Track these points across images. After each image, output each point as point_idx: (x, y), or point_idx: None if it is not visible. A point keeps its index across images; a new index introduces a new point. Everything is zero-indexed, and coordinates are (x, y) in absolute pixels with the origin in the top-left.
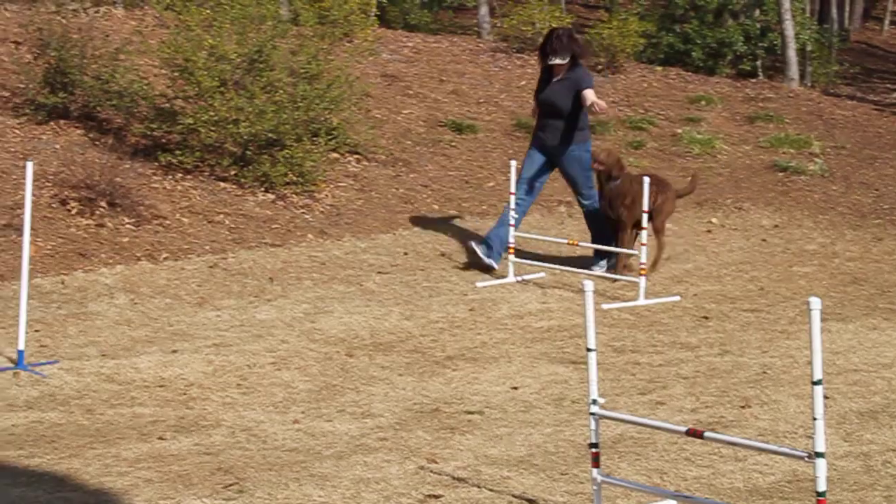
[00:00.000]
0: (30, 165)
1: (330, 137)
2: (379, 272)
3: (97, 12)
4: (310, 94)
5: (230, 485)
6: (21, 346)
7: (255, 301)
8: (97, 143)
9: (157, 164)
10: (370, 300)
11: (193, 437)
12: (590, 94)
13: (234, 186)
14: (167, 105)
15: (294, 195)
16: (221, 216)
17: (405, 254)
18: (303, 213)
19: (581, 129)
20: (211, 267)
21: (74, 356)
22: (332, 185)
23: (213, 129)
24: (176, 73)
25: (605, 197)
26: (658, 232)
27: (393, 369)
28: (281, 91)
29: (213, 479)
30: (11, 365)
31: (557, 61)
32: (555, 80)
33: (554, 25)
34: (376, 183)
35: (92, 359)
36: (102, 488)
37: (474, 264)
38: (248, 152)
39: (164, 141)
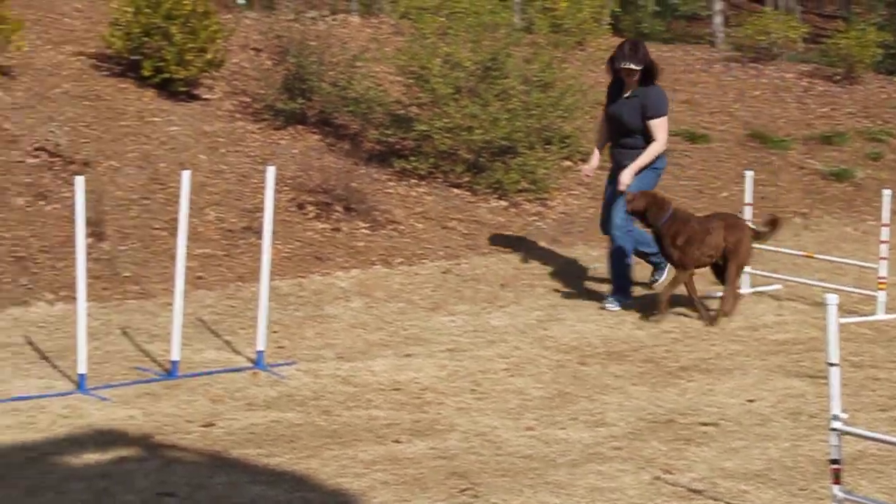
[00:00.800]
0: (271, 170)
1: (563, 145)
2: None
3: (334, 20)
4: (543, 101)
5: (465, 489)
6: (260, 347)
7: (487, 307)
8: (333, 148)
9: (391, 169)
10: (602, 308)
11: (428, 440)
12: (628, 171)
13: (467, 193)
14: (402, 112)
15: (526, 202)
16: (454, 222)
17: (637, 263)
18: (535, 220)
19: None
20: (444, 272)
21: (311, 358)
22: (564, 193)
23: (447, 135)
24: (411, 81)
25: (657, 239)
26: (730, 280)
27: (626, 378)
28: (514, 99)
29: (447, 484)
30: (251, 365)
31: (628, 65)
32: (625, 94)
33: (790, 35)
34: None
35: (328, 361)
36: (340, 489)
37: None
38: (482, 159)
39: (398, 147)
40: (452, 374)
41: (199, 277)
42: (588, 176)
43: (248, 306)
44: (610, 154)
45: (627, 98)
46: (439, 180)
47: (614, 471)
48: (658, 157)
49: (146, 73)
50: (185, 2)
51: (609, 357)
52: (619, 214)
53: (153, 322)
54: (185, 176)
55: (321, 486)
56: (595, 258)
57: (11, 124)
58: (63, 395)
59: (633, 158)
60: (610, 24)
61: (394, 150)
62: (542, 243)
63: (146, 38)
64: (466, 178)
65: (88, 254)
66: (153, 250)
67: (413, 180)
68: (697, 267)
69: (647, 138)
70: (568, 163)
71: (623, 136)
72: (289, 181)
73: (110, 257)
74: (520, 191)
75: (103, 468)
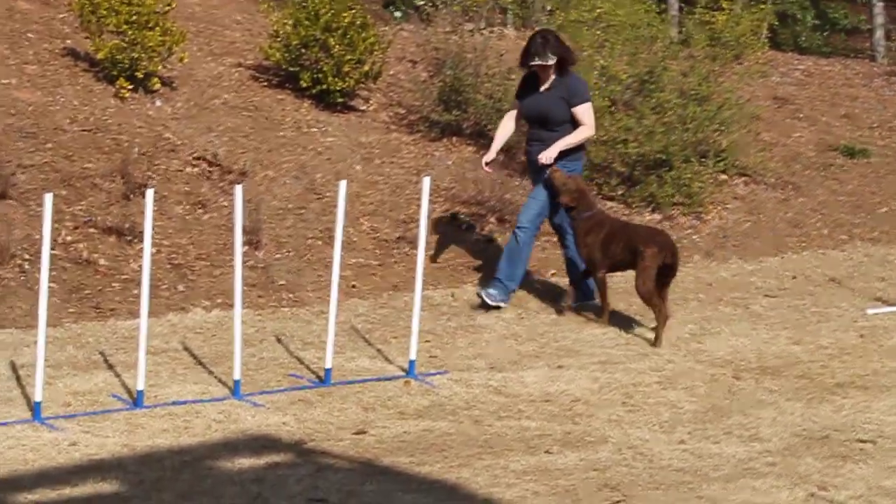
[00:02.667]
0: (427, 181)
1: (718, 159)
2: (766, 295)
3: (491, 33)
4: (699, 115)
5: (617, 502)
6: (412, 357)
7: (641, 319)
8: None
9: None
10: (757, 323)
11: (579, 452)
12: (550, 150)
13: (621, 206)
14: None
15: (681, 216)
16: None
17: (793, 278)
18: (689, 233)
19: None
20: None
21: (463, 367)
22: (719, 207)
23: (602, 148)
24: None
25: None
26: (646, 299)
27: (781, 393)
28: (670, 112)
29: (599, 496)
30: (403, 374)
31: (541, 62)
32: (542, 87)
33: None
34: (765, 206)
35: (480, 371)
36: (491, 499)
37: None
38: (636, 172)
39: None
40: (604, 386)
41: (353, 286)
42: (487, 168)
43: (401, 315)
44: (526, 152)
45: (547, 90)
46: (593, 193)
47: (768, 486)
48: (582, 152)
49: (304, 85)
50: (343, 14)
51: (763, 372)
52: (528, 215)
53: (307, 330)
54: (342, 186)
55: (472, 495)
56: (750, 272)
57: (172, 134)
58: (218, 400)
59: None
60: (768, 37)
61: None
62: (697, 257)
63: (304, 51)
64: (620, 191)
65: (244, 262)
66: (308, 259)
67: None
68: (608, 271)
69: (566, 132)
70: (723, 177)
71: (545, 130)
72: (443, 192)
73: (265, 265)
74: (674, 204)
75: (257, 473)
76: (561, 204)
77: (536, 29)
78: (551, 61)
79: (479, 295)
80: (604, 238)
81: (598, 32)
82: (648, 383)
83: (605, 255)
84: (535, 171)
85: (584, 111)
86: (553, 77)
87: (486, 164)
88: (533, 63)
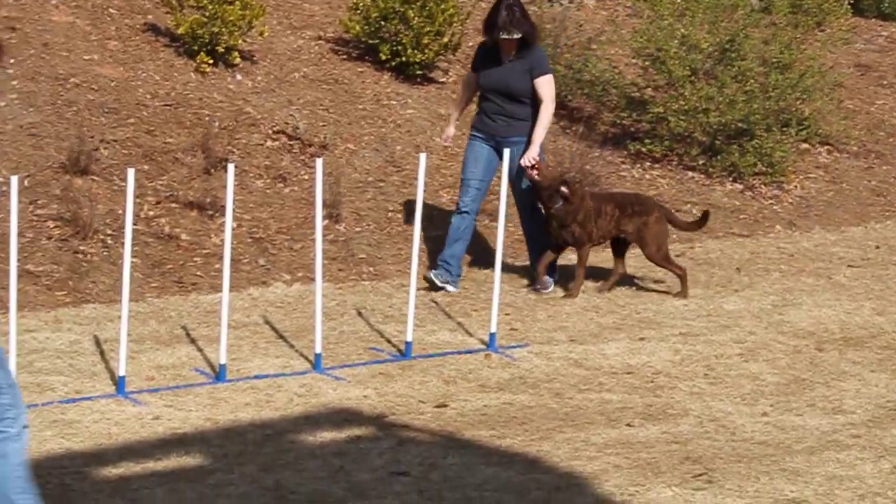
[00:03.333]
0: (507, 152)
1: (801, 128)
2: (849, 265)
3: (571, 3)
4: (781, 83)
5: (699, 475)
6: (493, 329)
7: (721, 291)
8: (568, 131)
9: (625, 152)
10: (840, 294)
11: (661, 425)
12: (531, 149)
13: (701, 176)
14: (637, 94)
15: (763, 186)
16: (689, 205)
17: (877, 247)
18: (771, 203)
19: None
20: (678, 256)
21: (543, 340)
22: (801, 176)
23: (682, 118)
24: (647, 63)
25: (551, 220)
26: (659, 262)
27: (864, 365)
28: (752, 80)
29: (681, 469)
30: (483, 347)
31: (506, 36)
32: (506, 59)
33: None
34: (847, 175)
35: (560, 343)
36: (573, 472)
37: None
38: (717, 142)
39: (633, 130)
40: (685, 358)
41: (433, 259)
42: (448, 142)
43: (481, 288)
44: (481, 125)
45: (511, 62)
46: (674, 163)
47: (853, 459)
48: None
49: (383, 57)
50: None
51: (846, 343)
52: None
53: (387, 303)
54: (422, 158)
55: (554, 468)
56: (833, 242)
57: (252, 108)
58: (299, 374)
59: (519, 130)
60: (850, 3)
61: (628, 132)
62: (778, 227)
63: (384, 23)
64: (701, 161)
65: (325, 235)
66: (388, 232)
67: (647, 163)
68: (594, 245)
69: (530, 106)
70: (806, 146)
71: (508, 103)
72: None
73: (346, 239)
74: (756, 174)
75: (339, 446)
76: (561, 199)
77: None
78: (517, 35)
79: (426, 277)
80: (597, 212)
81: (679, 1)
82: (730, 355)
83: (597, 229)
84: (492, 147)
85: (546, 82)
86: (516, 49)
87: (448, 137)
88: (499, 37)
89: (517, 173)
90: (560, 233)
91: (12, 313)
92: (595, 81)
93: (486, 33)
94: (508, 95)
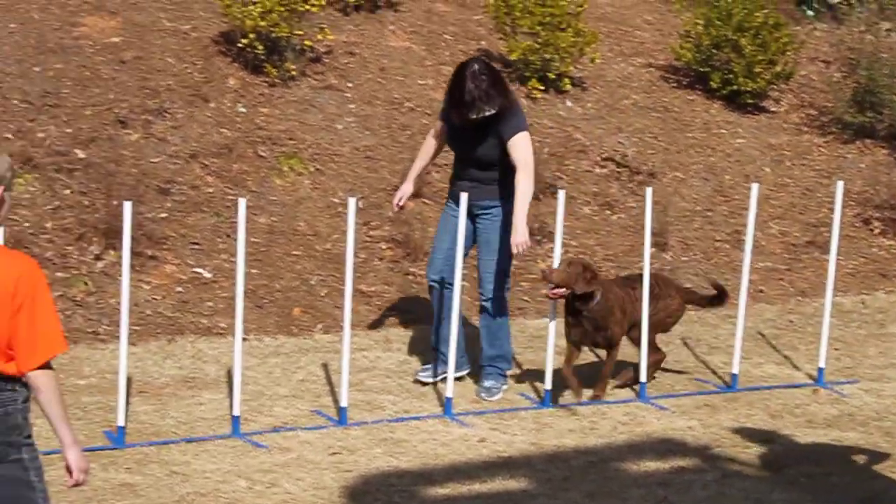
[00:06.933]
0: (840, 185)
1: None
2: None
3: None
4: None
5: None
6: (821, 364)
7: None
8: None
9: None
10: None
11: None
12: (517, 234)
13: None
14: None
15: None
16: None
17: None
18: None
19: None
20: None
21: (874, 377)
22: None
23: None
24: None
25: (583, 324)
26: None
27: None
28: None
29: None
30: (811, 382)
31: (476, 116)
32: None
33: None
34: None
35: (892, 381)
36: None
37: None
38: None
39: None
40: None
41: (760, 291)
42: (400, 207)
43: (809, 322)
44: (454, 189)
45: (482, 127)
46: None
47: None
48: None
49: (714, 85)
50: (756, 14)
51: None
52: (494, 279)
53: (713, 334)
54: (754, 189)
55: None
56: None
57: (581, 134)
58: (623, 402)
59: (484, 190)
60: None
61: None
62: None
63: (715, 51)
64: None
65: (651, 263)
66: (715, 262)
67: None
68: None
69: (505, 171)
70: None
71: (479, 170)
72: (855, 196)
73: (672, 267)
74: None
75: (662, 477)
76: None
77: (461, 64)
78: (490, 112)
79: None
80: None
81: None
82: None
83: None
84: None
85: (520, 141)
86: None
87: (400, 201)
88: (468, 118)
89: (487, 236)
90: (595, 336)
91: (346, 332)
92: None
93: (454, 114)
94: (479, 164)
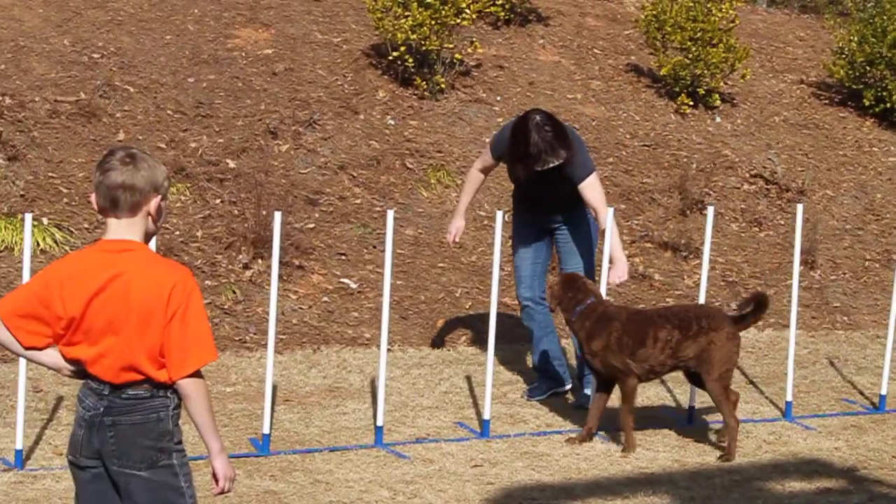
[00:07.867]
0: None
1: None
2: None
3: None
4: None
5: None
6: None
7: None
8: None
9: None
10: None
11: None
12: (619, 266)
13: None
14: None
15: None
16: None
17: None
18: None
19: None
20: None
21: None
22: None
23: None
24: None
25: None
26: (716, 395)
27: None
28: None
29: None
30: None
31: (542, 168)
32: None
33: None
34: None
35: None
36: None
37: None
38: None
39: None
40: None
41: None
42: (455, 241)
43: None
44: (521, 208)
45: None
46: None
47: None
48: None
49: (867, 103)
50: None
51: None
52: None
53: (861, 354)
54: None
55: None
56: None
57: (730, 150)
58: (769, 421)
59: (564, 211)
60: None
61: None
62: None
63: (869, 68)
64: None
65: (800, 282)
66: (864, 281)
67: None
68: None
69: (576, 198)
70: None
71: (550, 200)
72: None
73: (820, 286)
74: None
75: (808, 497)
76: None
77: (520, 116)
78: (557, 163)
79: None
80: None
81: None
82: None
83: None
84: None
85: (592, 182)
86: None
87: (456, 236)
88: (534, 170)
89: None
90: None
91: (490, 344)
92: None
93: (520, 168)
94: (549, 198)
